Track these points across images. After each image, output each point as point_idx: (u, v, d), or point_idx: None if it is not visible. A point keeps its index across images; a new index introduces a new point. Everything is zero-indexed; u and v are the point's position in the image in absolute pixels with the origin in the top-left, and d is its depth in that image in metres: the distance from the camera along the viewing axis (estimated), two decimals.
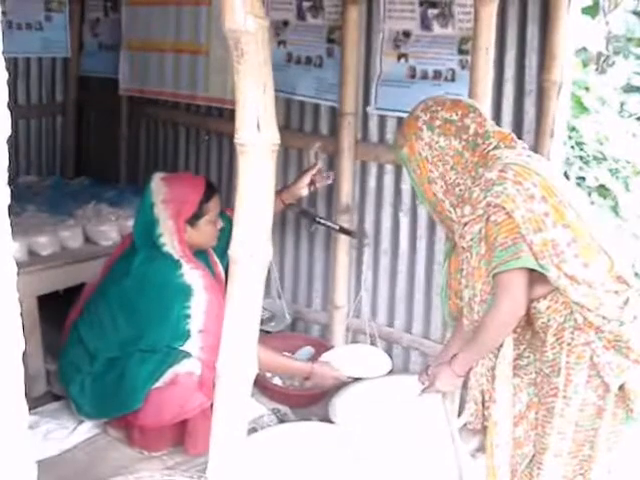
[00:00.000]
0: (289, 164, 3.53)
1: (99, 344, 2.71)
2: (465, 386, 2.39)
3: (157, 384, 2.60)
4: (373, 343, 3.36)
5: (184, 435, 2.66)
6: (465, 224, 2.03)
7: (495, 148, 2.06)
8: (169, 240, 2.62)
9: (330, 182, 3.18)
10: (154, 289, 2.61)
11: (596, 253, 1.94)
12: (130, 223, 3.45)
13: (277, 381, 3.12)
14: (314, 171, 3.09)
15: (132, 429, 2.67)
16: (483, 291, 2.03)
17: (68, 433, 2.73)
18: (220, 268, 2.91)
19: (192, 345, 2.60)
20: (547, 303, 1.99)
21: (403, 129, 2.16)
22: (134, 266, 2.65)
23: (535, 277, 1.97)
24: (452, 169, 2.07)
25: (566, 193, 1.98)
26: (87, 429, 2.75)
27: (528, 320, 2.05)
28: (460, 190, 2.07)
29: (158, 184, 2.68)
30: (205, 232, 2.71)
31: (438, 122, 2.07)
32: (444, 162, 2.07)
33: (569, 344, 1.98)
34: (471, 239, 2.02)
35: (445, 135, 2.06)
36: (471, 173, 2.06)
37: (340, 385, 2.96)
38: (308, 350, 3.33)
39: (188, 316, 2.58)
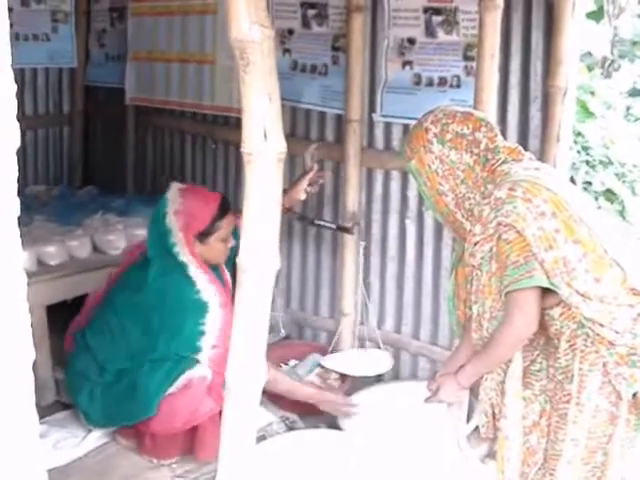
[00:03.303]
0: (295, 172, 3.54)
1: (109, 355, 2.72)
2: (473, 392, 2.39)
3: (170, 389, 2.60)
4: (380, 349, 3.35)
5: (193, 443, 2.67)
6: (476, 243, 2.02)
7: (503, 163, 2.04)
8: (182, 250, 2.64)
9: (322, 182, 3.18)
10: (170, 304, 2.61)
11: (608, 267, 1.92)
12: (138, 232, 3.46)
13: None
14: (311, 174, 3.10)
15: (143, 437, 2.68)
16: (493, 308, 2.03)
17: (78, 442, 2.74)
18: (228, 276, 2.91)
19: (202, 356, 2.61)
20: (560, 310, 1.98)
21: (411, 141, 2.12)
22: (149, 280, 2.66)
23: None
24: (462, 183, 2.06)
25: (576, 205, 1.96)
26: (96, 438, 2.76)
27: (542, 326, 2.03)
28: (470, 204, 2.06)
29: (174, 194, 2.69)
30: (214, 249, 2.71)
31: (449, 135, 2.05)
32: (455, 176, 2.06)
33: (582, 351, 1.96)
34: (482, 257, 2.01)
35: (456, 149, 2.04)
36: (480, 188, 2.04)
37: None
38: (315, 358, 3.33)
39: (202, 332, 2.59)
